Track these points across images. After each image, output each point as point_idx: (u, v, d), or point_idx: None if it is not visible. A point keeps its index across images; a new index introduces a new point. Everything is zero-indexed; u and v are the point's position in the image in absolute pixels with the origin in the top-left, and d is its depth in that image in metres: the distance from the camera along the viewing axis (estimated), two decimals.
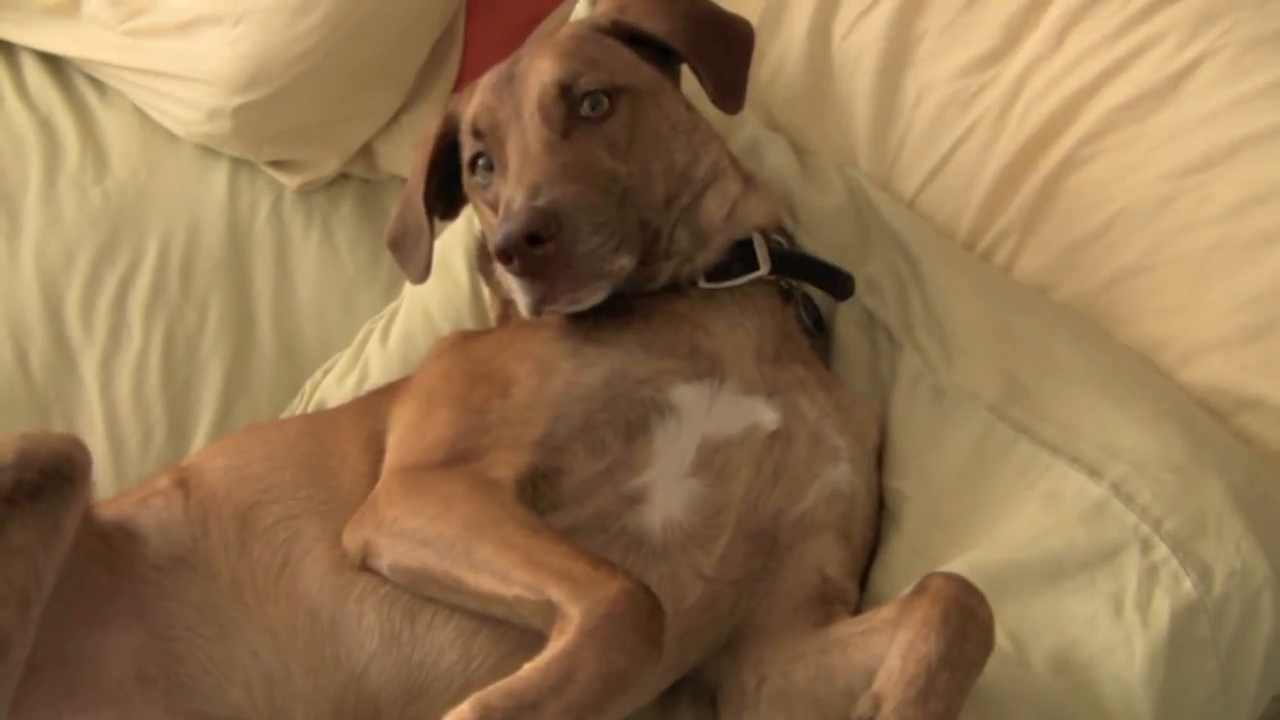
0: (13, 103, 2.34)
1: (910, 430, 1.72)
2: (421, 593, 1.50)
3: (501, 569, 1.40)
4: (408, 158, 2.27)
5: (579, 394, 1.56)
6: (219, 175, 2.28)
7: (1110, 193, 1.78)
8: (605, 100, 1.64)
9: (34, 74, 2.38)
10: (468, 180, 1.73)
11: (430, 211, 1.78)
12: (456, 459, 1.53)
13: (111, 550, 1.58)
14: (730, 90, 1.73)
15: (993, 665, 1.41)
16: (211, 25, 2.18)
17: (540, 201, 1.50)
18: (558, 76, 1.63)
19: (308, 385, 2.08)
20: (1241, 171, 1.71)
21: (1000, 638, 1.48)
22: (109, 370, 2.09)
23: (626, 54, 1.71)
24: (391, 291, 2.15)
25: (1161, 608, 1.48)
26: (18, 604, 1.46)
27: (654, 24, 1.72)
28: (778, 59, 2.06)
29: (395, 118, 2.32)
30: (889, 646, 1.41)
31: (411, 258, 1.80)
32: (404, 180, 2.28)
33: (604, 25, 1.74)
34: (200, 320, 2.15)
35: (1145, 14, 1.82)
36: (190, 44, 2.20)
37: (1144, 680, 1.45)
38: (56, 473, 1.50)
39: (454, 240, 2.00)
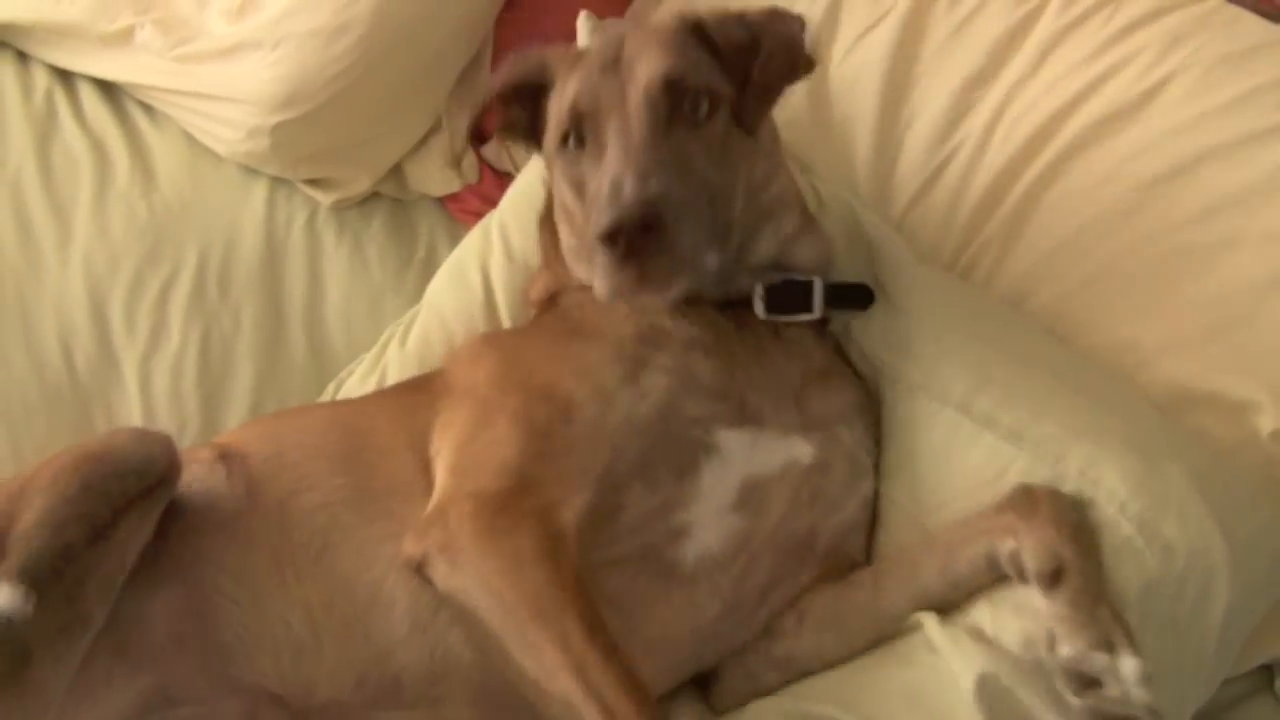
0: (70, 126, 2.46)
1: (894, 434, 1.79)
2: (460, 621, 1.57)
3: (550, 665, 1.47)
4: (436, 178, 2.41)
5: (638, 427, 1.62)
6: (258, 192, 2.39)
7: (1083, 203, 1.87)
8: (706, 103, 1.65)
9: (90, 100, 2.50)
10: (551, 149, 1.74)
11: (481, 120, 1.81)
12: (522, 488, 1.56)
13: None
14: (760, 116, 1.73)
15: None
16: (253, 49, 2.31)
17: (652, 190, 1.53)
18: (668, 68, 1.64)
19: (331, 386, 2.18)
20: (1204, 181, 1.81)
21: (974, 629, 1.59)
22: (148, 368, 2.21)
23: (716, 65, 1.70)
24: (416, 299, 2.25)
25: (1126, 585, 1.54)
26: (107, 590, 1.57)
27: (725, 38, 1.69)
28: None
29: (424, 140, 2.43)
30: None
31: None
32: (433, 200, 2.42)
33: (692, 24, 1.72)
34: (235, 324, 2.26)
35: (1121, 35, 1.93)
36: (233, 67, 2.32)
37: None
38: (165, 478, 1.62)
39: (469, 248, 2.10)
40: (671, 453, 1.63)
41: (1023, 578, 1.55)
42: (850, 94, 2.10)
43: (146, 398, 2.20)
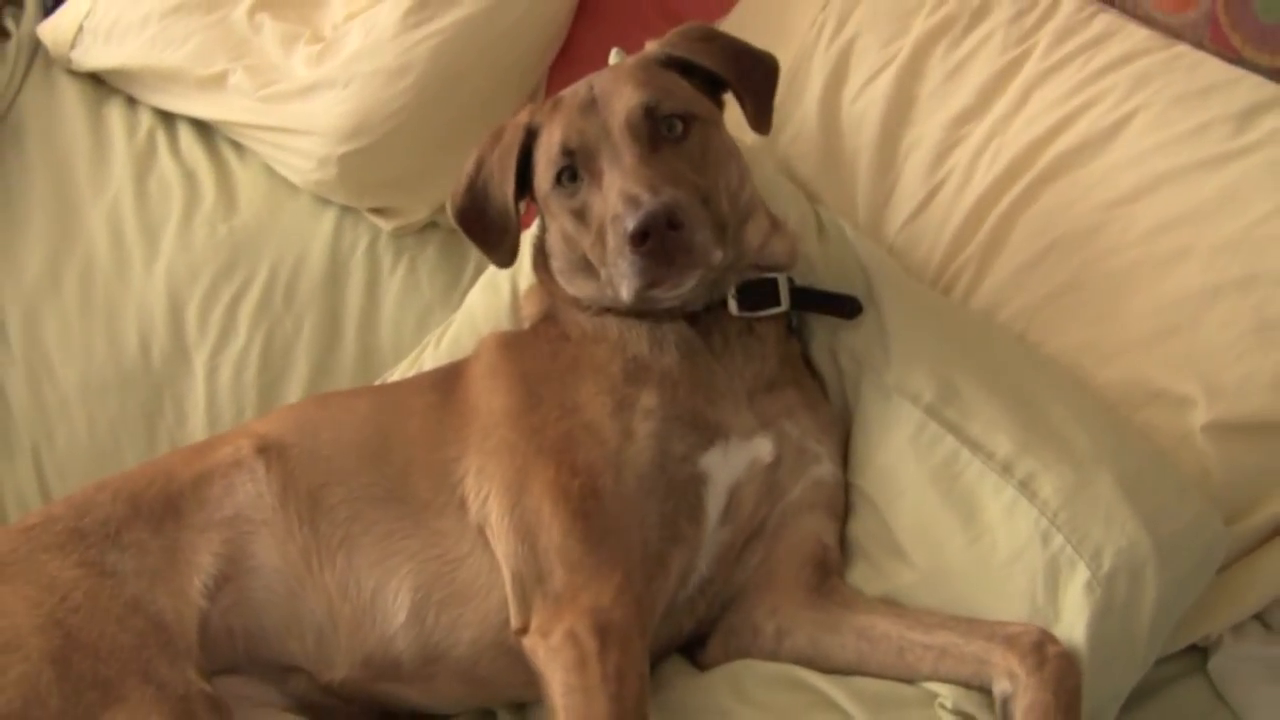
0: (166, 160, 2.72)
1: (865, 430, 1.94)
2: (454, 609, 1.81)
3: None
4: None
5: (647, 486, 1.76)
6: (328, 219, 2.61)
7: (1054, 223, 2.04)
8: (680, 124, 1.83)
9: (187, 138, 2.75)
10: (545, 189, 1.89)
11: (516, 205, 1.94)
12: (590, 579, 1.71)
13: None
14: (766, 115, 1.92)
15: None
16: (326, 88, 2.55)
17: (665, 196, 1.70)
18: (643, 100, 1.82)
19: (376, 384, 2.37)
20: (1160, 202, 1.97)
21: None
22: (215, 362, 2.46)
23: (685, 85, 1.90)
24: None
25: (1066, 596, 1.70)
26: None
27: (704, 58, 1.91)
28: (799, 124, 2.36)
29: None
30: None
31: (497, 244, 1.96)
32: None
33: (661, 59, 1.93)
34: (296, 329, 2.50)
35: (1095, 77, 2.12)
36: (309, 104, 2.56)
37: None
38: None
39: None
40: (681, 500, 1.78)
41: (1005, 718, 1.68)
42: (858, 131, 2.28)
43: (211, 387, 2.44)
